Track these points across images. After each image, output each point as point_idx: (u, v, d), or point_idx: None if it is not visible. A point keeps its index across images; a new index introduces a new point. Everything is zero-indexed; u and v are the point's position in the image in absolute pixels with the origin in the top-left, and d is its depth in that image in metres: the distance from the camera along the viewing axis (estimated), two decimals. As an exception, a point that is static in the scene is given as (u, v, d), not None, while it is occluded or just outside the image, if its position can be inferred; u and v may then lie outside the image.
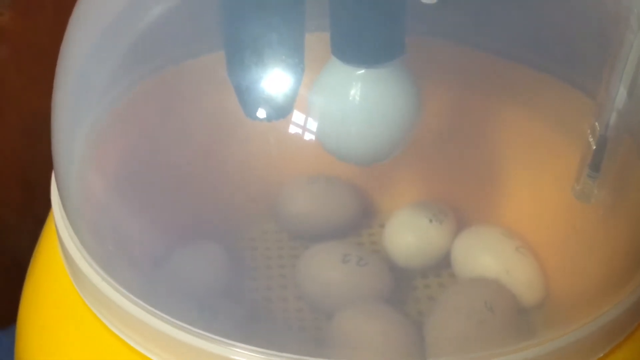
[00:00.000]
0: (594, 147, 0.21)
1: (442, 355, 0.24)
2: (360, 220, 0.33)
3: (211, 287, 0.28)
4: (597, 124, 0.21)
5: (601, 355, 0.20)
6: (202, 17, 0.27)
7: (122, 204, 0.26)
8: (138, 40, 0.26)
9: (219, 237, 0.30)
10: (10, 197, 0.40)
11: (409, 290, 0.30)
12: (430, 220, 0.30)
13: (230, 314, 0.25)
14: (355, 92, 0.21)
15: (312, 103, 0.22)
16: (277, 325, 0.27)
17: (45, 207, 0.27)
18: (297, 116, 0.23)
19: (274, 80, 0.22)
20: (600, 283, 0.23)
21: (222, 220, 0.31)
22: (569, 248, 0.26)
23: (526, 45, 0.27)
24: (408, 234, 0.30)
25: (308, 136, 0.23)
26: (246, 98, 0.22)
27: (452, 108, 0.30)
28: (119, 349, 0.22)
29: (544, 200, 0.28)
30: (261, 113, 0.22)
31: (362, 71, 0.20)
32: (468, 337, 0.24)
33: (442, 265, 0.30)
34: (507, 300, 0.27)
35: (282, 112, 0.22)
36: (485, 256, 0.29)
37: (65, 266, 0.24)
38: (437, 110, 0.29)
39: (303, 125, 0.23)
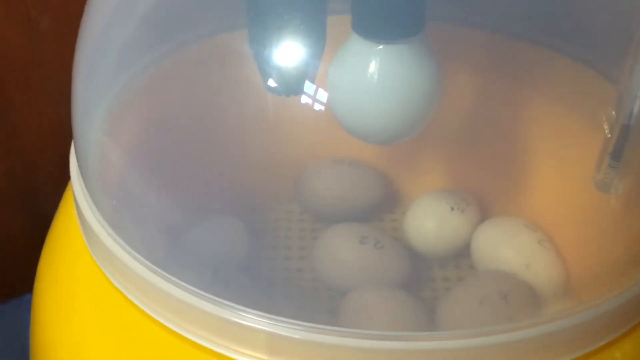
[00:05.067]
0: (617, 136, 0.20)
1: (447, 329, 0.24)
2: (383, 205, 0.33)
3: (227, 259, 0.28)
4: (619, 112, 0.20)
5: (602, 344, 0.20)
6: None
7: (140, 173, 0.27)
8: (163, 15, 0.27)
9: (242, 215, 0.30)
10: (48, 165, 0.41)
11: (427, 280, 0.29)
12: (452, 208, 0.30)
13: (244, 283, 0.26)
14: (373, 68, 0.21)
15: (329, 79, 0.22)
16: (288, 294, 0.28)
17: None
18: (319, 93, 0.23)
19: (294, 55, 0.22)
20: (617, 272, 0.22)
21: (246, 199, 0.31)
22: (590, 239, 0.26)
23: (550, 29, 0.27)
24: (428, 221, 0.30)
25: (329, 116, 0.23)
26: (264, 71, 0.22)
27: (477, 96, 0.29)
28: (135, 316, 0.22)
29: (568, 190, 0.27)
30: (276, 87, 0.22)
31: (381, 47, 0.20)
32: (475, 316, 0.24)
33: (463, 255, 0.30)
34: (524, 294, 0.26)
35: (296, 87, 0.22)
36: (506, 249, 0.28)
37: (82, 233, 0.24)
38: (463, 97, 0.29)
39: (321, 102, 0.23)
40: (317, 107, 0.23)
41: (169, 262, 0.23)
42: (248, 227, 0.30)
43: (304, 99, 0.23)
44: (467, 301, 0.25)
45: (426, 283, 0.29)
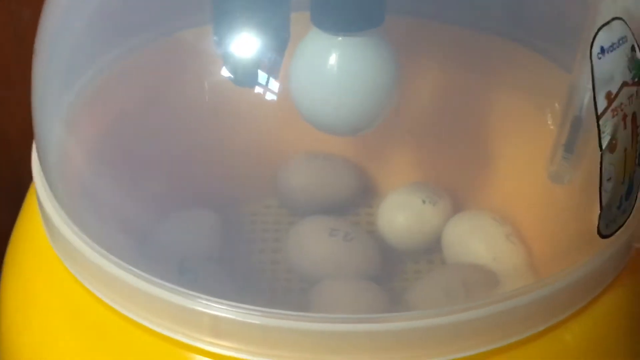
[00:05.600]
0: (569, 128, 0.20)
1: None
2: (359, 199, 0.33)
3: (201, 251, 0.28)
4: (571, 104, 0.20)
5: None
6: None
7: (110, 167, 0.27)
8: (126, 11, 0.27)
9: (218, 209, 0.30)
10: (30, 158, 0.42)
11: (398, 272, 0.30)
12: (424, 201, 0.30)
13: (214, 274, 0.26)
14: (333, 60, 0.21)
15: (290, 72, 0.22)
16: (260, 285, 0.28)
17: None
18: (274, 85, 0.23)
19: (258, 48, 0.22)
20: (565, 258, 0.23)
21: (222, 193, 0.32)
22: (547, 229, 0.26)
23: (509, 19, 0.27)
24: (400, 214, 0.30)
25: (290, 106, 0.23)
26: (230, 64, 0.22)
27: (448, 90, 0.30)
28: (101, 312, 0.22)
29: (532, 182, 0.27)
30: (240, 79, 0.22)
31: (340, 39, 0.21)
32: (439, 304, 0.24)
33: (435, 249, 0.30)
34: (487, 283, 0.27)
35: (255, 78, 0.22)
36: (475, 242, 0.29)
37: (45, 230, 0.24)
38: (434, 92, 0.29)
39: (280, 93, 0.23)
40: (291, 101, 0.24)
41: (139, 257, 0.23)
42: (224, 220, 0.30)
43: (279, 95, 0.24)
44: (432, 291, 0.26)
45: (397, 275, 0.30)
